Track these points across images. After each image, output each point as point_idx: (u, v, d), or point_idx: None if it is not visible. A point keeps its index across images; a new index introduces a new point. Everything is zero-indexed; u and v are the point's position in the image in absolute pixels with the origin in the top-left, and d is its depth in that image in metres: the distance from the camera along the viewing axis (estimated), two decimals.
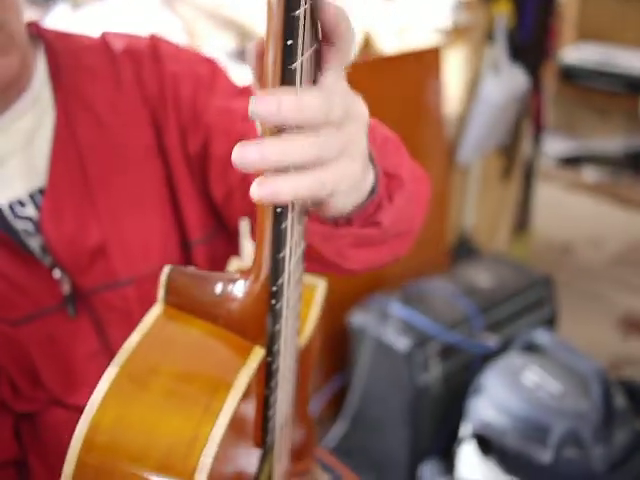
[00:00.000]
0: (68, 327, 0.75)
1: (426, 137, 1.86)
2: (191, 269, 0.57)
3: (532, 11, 1.94)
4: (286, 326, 0.53)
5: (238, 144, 0.41)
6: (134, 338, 0.52)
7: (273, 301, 0.49)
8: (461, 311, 1.58)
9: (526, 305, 1.65)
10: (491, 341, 1.58)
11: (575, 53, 2.96)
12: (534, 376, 1.42)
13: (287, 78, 0.40)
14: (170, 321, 0.54)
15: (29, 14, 0.82)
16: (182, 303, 0.55)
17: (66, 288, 0.74)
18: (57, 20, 2.32)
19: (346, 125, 0.44)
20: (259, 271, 0.49)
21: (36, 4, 2.40)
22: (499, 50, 1.88)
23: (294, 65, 0.39)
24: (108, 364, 0.50)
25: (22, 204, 0.75)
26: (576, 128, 3.25)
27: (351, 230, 0.58)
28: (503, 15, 1.86)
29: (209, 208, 0.81)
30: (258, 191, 0.41)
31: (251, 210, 0.77)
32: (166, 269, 0.56)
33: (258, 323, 0.51)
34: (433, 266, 1.89)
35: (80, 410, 0.48)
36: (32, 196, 0.75)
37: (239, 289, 0.52)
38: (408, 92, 1.77)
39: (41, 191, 0.75)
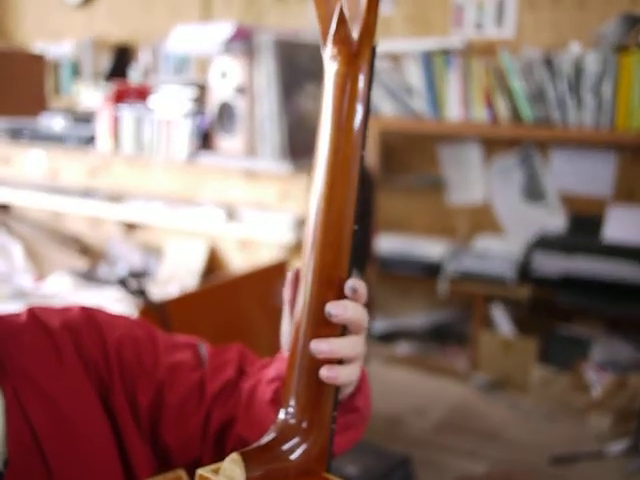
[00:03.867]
0: None
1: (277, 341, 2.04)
2: (253, 447, 0.63)
3: (357, 222, 2.26)
4: None
5: (314, 341, 0.64)
6: None
7: (333, 425, 0.65)
8: None
9: None
10: None
11: (381, 243, 3.39)
12: None
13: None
14: None
15: None
16: (262, 478, 0.61)
17: None
18: None
19: None
20: (319, 424, 0.64)
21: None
22: None
23: None
24: None
25: None
26: (387, 308, 3.64)
27: (339, 420, 0.71)
28: None
29: (157, 454, 0.88)
30: (327, 372, 0.63)
31: (202, 453, 0.87)
32: (235, 456, 0.60)
33: (319, 457, 0.64)
34: None
35: None
36: None
37: (300, 441, 0.64)
38: (262, 306, 1.95)
39: None
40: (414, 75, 3.32)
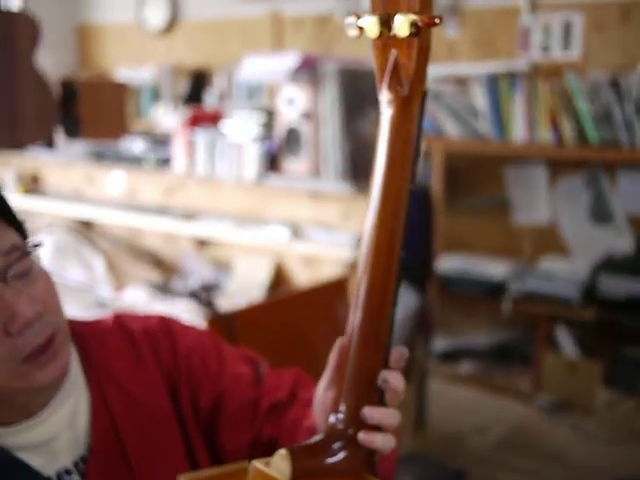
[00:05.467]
0: None
1: None
2: (301, 445, 0.71)
3: (417, 241, 2.34)
4: None
5: (369, 409, 0.71)
6: None
7: None
8: None
9: None
10: None
11: (444, 264, 3.44)
12: None
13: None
14: None
15: None
16: (306, 473, 0.68)
17: None
18: None
19: None
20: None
21: None
22: None
23: None
24: None
25: (68, 473, 0.86)
26: (450, 327, 3.67)
27: None
28: None
29: (212, 453, 0.98)
30: (364, 436, 0.70)
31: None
32: (284, 451, 0.68)
33: (362, 461, 0.71)
34: None
35: None
36: (76, 464, 0.87)
37: (343, 442, 0.71)
38: (323, 320, 2.05)
39: (83, 459, 0.88)
40: (479, 97, 3.37)
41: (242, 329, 1.73)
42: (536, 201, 3.49)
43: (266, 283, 2.36)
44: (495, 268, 3.41)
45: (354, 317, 0.73)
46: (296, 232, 2.30)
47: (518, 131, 3.29)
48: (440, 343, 3.58)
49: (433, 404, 2.98)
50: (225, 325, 1.70)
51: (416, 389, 2.64)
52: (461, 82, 3.45)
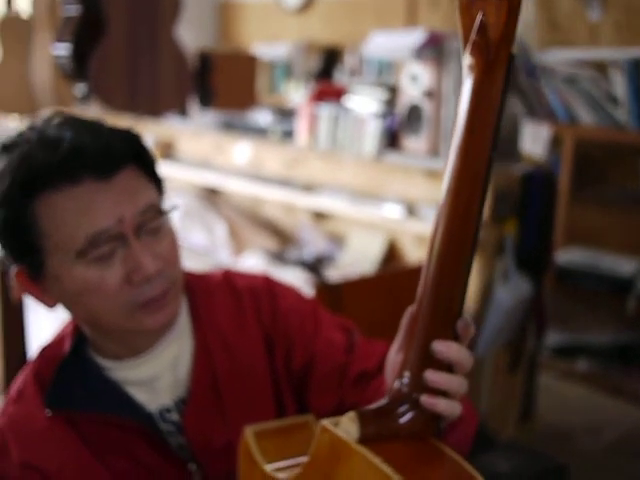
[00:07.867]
0: None
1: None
2: (370, 409, 0.71)
3: (534, 229, 2.28)
4: None
5: (430, 372, 0.70)
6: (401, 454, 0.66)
7: None
8: None
9: None
10: None
11: (566, 256, 3.31)
12: None
13: None
14: (389, 453, 0.67)
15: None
16: (373, 436, 0.68)
17: (197, 479, 0.94)
18: None
19: None
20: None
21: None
22: (508, 262, 2.20)
23: None
24: None
25: (169, 411, 0.95)
26: (568, 322, 3.54)
27: None
28: (511, 233, 2.20)
29: (302, 410, 1.02)
30: (427, 399, 0.70)
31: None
32: (352, 414, 0.68)
33: (427, 424, 0.71)
34: None
35: None
36: (176, 404, 0.95)
37: (409, 406, 0.71)
38: None
39: (183, 400, 0.95)
40: (619, 84, 3.20)
41: (348, 299, 1.77)
42: None
43: (378, 259, 2.38)
44: (622, 264, 3.25)
45: (425, 282, 0.71)
46: (411, 210, 2.30)
47: None
48: (555, 337, 3.46)
49: (543, 398, 2.89)
50: (332, 294, 1.74)
51: (524, 380, 2.57)
52: (601, 68, 3.29)
